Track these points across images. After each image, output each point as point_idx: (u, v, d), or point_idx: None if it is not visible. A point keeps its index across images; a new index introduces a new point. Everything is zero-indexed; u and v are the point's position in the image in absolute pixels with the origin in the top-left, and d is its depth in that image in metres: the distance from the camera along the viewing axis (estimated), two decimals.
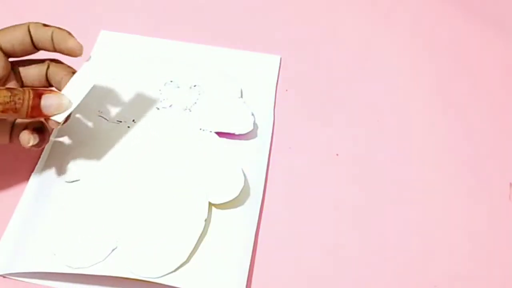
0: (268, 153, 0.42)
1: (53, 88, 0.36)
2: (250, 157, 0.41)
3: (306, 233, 0.38)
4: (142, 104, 0.43)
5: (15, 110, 0.32)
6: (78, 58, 0.35)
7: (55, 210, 0.37)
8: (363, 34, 0.51)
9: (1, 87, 0.32)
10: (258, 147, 0.42)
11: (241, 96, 0.44)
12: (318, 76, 0.47)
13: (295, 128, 0.44)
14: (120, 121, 0.42)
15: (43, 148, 0.40)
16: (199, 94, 0.44)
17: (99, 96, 0.43)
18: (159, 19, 0.51)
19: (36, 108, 0.32)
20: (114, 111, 0.43)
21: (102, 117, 0.42)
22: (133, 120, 0.42)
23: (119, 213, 0.37)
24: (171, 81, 0.45)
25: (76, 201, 0.38)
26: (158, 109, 0.43)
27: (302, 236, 0.38)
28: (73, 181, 0.39)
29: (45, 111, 0.33)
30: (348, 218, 0.39)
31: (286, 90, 0.46)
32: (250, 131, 0.42)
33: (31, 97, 0.32)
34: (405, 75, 0.48)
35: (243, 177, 0.38)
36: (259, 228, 0.38)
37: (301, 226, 0.39)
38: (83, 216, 0.37)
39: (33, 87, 0.34)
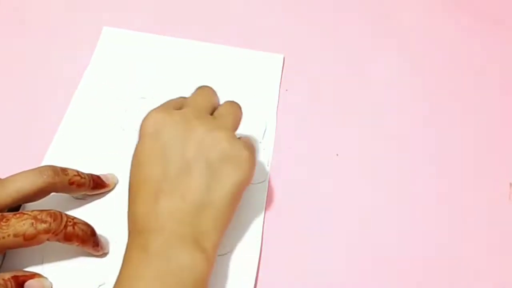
0: (271, 152, 0.42)
1: (33, 271, 0.34)
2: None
3: (306, 233, 0.38)
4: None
5: None
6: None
7: None
8: (364, 34, 0.51)
9: None
10: (262, 147, 0.42)
11: (262, 139, 0.43)
12: (318, 76, 0.47)
13: (295, 128, 0.44)
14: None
15: None
16: None
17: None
18: (161, 16, 0.50)
19: None
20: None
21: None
22: None
23: (114, 247, 0.36)
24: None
25: None
26: None
27: (302, 236, 0.38)
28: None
29: None
30: (348, 218, 0.39)
31: (286, 90, 0.46)
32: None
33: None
34: (406, 75, 0.48)
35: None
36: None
37: (301, 226, 0.39)
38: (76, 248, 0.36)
39: (13, 276, 0.32)
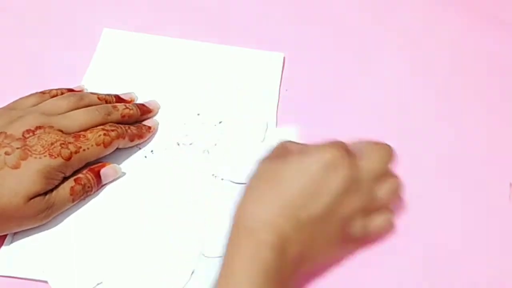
0: None
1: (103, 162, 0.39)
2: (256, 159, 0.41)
3: None
4: (164, 135, 0.42)
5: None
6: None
7: (50, 236, 0.37)
8: (364, 34, 0.51)
9: (72, 183, 0.37)
10: (263, 148, 0.42)
11: (264, 140, 0.43)
12: (318, 75, 0.47)
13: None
14: (140, 148, 0.42)
15: None
16: (222, 134, 0.42)
17: None
18: (161, 16, 0.50)
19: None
20: None
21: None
22: (152, 151, 0.41)
23: (112, 247, 0.37)
24: (198, 114, 0.44)
25: (74, 229, 0.37)
26: (178, 144, 0.42)
27: None
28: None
29: (104, 181, 0.39)
30: None
31: (286, 90, 0.46)
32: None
33: (95, 180, 0.38)
34: (406, 75, 0.48)
35: None
36: None
37: None
38: (77, 244, 0.37)
39: (89, 168, 0.38)
